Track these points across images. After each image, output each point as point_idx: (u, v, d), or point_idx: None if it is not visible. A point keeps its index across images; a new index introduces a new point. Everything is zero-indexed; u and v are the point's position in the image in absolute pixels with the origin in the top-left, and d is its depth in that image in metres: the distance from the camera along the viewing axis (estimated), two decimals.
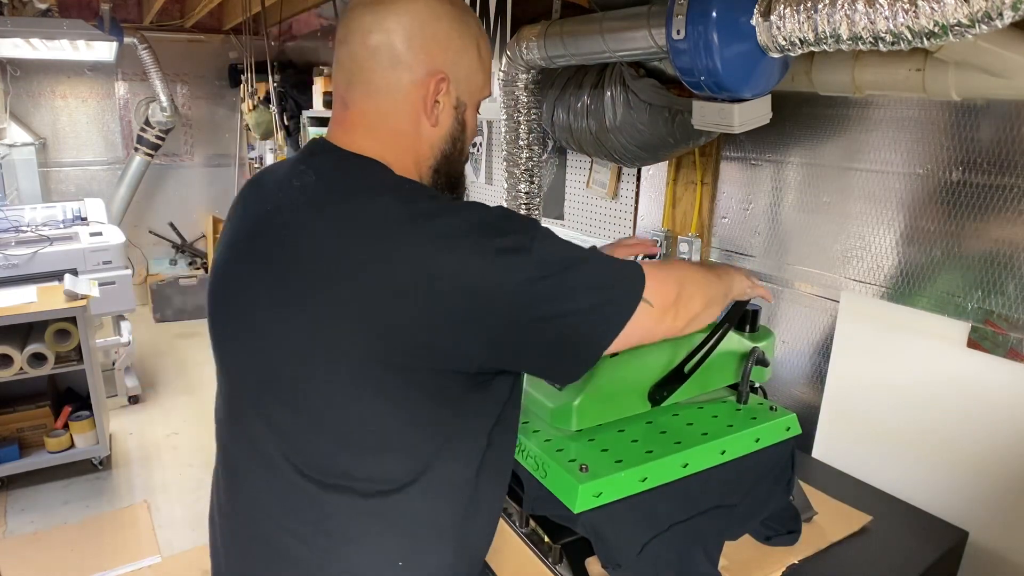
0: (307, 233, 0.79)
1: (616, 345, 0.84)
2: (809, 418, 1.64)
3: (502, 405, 0.91)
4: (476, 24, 0.90)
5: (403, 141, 0.87)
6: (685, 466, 1.08)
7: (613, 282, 0.84)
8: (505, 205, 1.99)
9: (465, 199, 0.93)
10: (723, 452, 1.12)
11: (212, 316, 0.95)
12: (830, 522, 1.31)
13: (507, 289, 0.76)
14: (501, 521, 1.31)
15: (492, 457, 0.91)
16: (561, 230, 2.51)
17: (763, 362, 1.27)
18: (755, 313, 1.31)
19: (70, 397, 3.27)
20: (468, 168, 3.15)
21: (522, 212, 1.96)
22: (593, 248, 0.88)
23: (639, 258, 1.23)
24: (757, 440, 1.16)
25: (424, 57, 0.84)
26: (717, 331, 1.16)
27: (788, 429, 1.21)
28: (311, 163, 0.86)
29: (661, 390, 1.18)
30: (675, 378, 1.17)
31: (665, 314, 0.89)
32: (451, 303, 0.75)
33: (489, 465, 0.91)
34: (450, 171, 0.93)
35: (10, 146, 4.77)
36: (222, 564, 0.97)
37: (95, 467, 3.17)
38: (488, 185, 3.03)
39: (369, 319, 0.75)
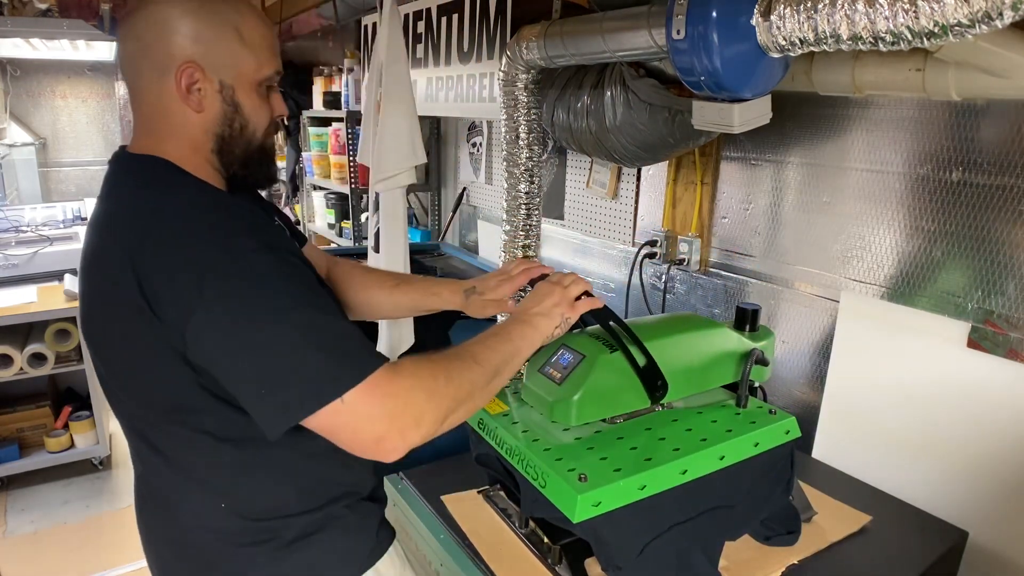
0: (87, 261, 0.97)
1: (309, 425, 0.84)
2: (809, 418, 1.64)
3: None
4: (230, 8, 0.94)
5: (177, 135, 0.95)
6: (684, 473, 1.08)
7: (315, 367, 0.82)
8: (505, 205, 1.99)
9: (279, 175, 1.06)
10: (722, 458, 1.12)
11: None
12: (830, 522, 1.31)
13: (214, 318, 0.82)
14: (501, 521, 1.31)
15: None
16: (561, 230, 2.51)
17: (763, 362, 1.26)
18: (755, 313, 1.31)
19: (70, 397, 3.28)
20: (467, 167, 3.15)
21: (522, 212, 1.96)
22: (343, 326, 0.86)
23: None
24: (756, 444, 1.16)
25: (172, 53, 0.91)
26: (618, 327, 1.12)
27: (787, 432, 1.20)
28: (108, 175, 0.98)
29: (654, 391, 1.16)
30: (648, 375, 1.13)
31: (367, 425, 0.84)
32: (185, 294, 0.83)
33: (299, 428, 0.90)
34: (236, 150, 0.99)
35: (10, 146, 4.77)
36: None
37: (95, 467, 3.17)
38: (488, 185, 3.03)
39: (125, 336, 0.91)
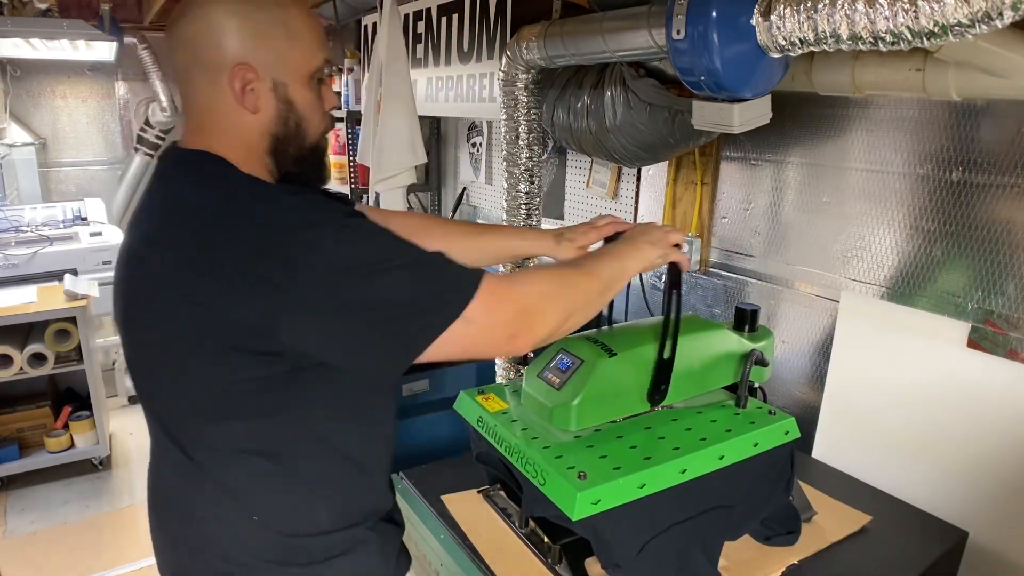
0: (143, 256, 0.91)
1: (432, 355, 0.84)
2: (809, 418, 1.64)
3: (344, 389, 0.96)
4: (275, 4, 0.93)
5: (232, 137, 0.92)
6: (683, 472, 1.08)
7: (429, 293, 0.84)
8: (505, 205, 1.99)
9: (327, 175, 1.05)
10: (722, 457, 1.12)
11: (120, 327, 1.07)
12: (830, 522, 1.30)
13: (318, 279, 0.80)
14: (501, 521, 1.31)
15: (348, 430, 0.99)
16: None
17: (762, 362, 1.26)
18: (755, 313, 1.31)
19: (70, 397, 3.28)
20: (467, 167, 3.15)
21: (522, 212, 1.96)
22: (436, 253, 0.87)
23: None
24: (755, 445, 1.16)
25: (224, 55, 0.89)
26: (672, 306, 1.14)
27: (787, 433, 1.20)
28: (159, 169, 0.96)
29: (658, 386, 1.17)
30: (663, 369, 1.15)
31: (493, 332, 0.88)
32: (265, 288, 0.80)
33: (347, 439, 0.99)
34: (290, 150, 0.97)
35: (10, 146, 4.77)
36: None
37: (95, 467, 3.17)
38: (488, 185, 3.03)
39: (191, 331, 0.85)
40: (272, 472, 0.93)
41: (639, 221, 2.17)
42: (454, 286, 0.85)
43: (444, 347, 0.84)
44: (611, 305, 1.25)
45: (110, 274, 3.59)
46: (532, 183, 1.94)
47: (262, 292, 0.80)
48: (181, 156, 0.94)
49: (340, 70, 3.75)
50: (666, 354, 1.15)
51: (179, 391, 0.92)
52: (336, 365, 0.88)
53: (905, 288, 1.49)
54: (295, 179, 0.98)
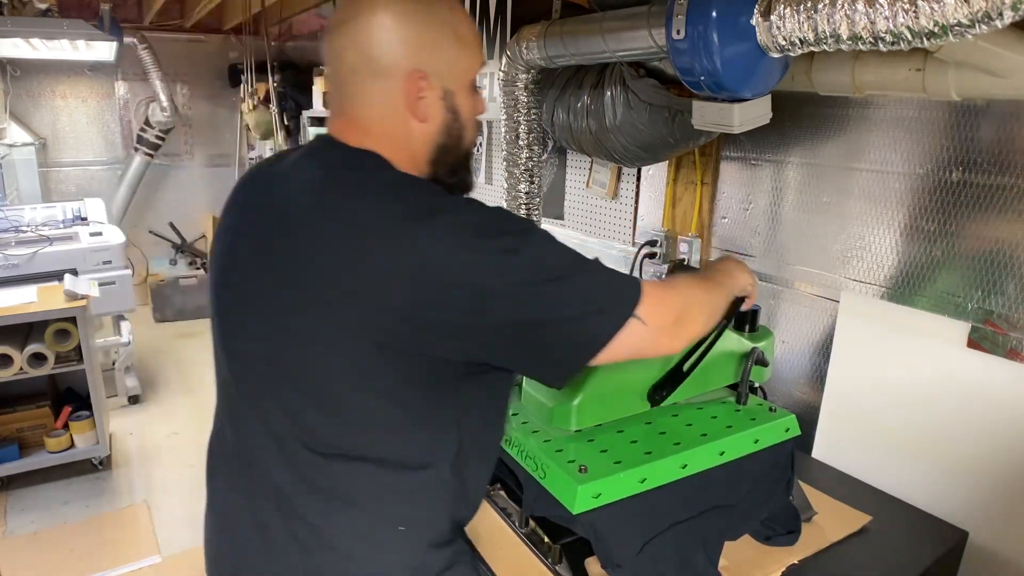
0: (314, 227, 0.83)
1: (603, 358, 0.85)
2: (809, 418, 1.64)
3: (495, 395, 0.95)
4: (447, 8, 0.91)
5: (397, 142, 0.90)
6: (684, 467, 1.08)
7: (605, 295, 0.85)
8: (505, 205, 1.99)
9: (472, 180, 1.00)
10: (722, 453, 1.12)
11: (218, 305, 0.98)
12: (830, 522, 1.30)
13: (496, 290, 0.79)
14: (501, 521, 1.31)
15: (483, 439, 0.96)
16: (561, 230, 2.51)
17: (763, 362, 1.27)
18: (755, 313, 1.31)
19: (70, 397, 3.27)
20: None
21: (522, 212, 1.96)
22: (595, 259, 0.88)
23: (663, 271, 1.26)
24: (756, 441, 1.16)
25: (398, 61, 0.87)
26: (715, 329, 1.16)
27: (787, 430, 1.21)
28: (317, 158, 0.90)
29: (660, 390, 1.18)
30: (674, 377, 1.17)
31: (660, 334, 0.89)
32: (442, 298, 0.78)
33: (478, 447, 0.96)
34: (449, 159, 0.95)
35: (10, 146, 4.77)
36: (225, 548, 1.00)
37: (95, 467, 3.17)
38: (488, 185, 3.03)
39: (367, 309, 0.79)
40: (418, 479, 0.90)
41: (640, 222, 2.17)
42: (623, 289, 0.86)
43: (615, 349, 0.84)
44: None
45: (110, 274, 3.57)
46: (532, 183, 1.94)
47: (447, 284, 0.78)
48: (349, 154, 0.89)
49: None
50: (685, 367, 1.16)
51: (331, 393, 0.85)
52: (508, 370, 0.89)
53: (905, 288, 1.49)
54: (448, 188, 0.96)
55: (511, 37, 1.87)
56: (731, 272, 1.12)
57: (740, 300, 1.17)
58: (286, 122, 4.31)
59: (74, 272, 3.39)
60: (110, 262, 3.63)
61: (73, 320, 2.89)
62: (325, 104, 3.82)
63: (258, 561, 0.94)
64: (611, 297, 0.85)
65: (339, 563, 0.90)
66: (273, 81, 4.11)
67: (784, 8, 1.09)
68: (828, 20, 1.03)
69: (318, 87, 4.01)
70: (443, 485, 0.92)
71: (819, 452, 1.64)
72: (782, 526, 1.23)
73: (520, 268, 0.80)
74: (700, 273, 1.16)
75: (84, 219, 4.01)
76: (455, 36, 0.90)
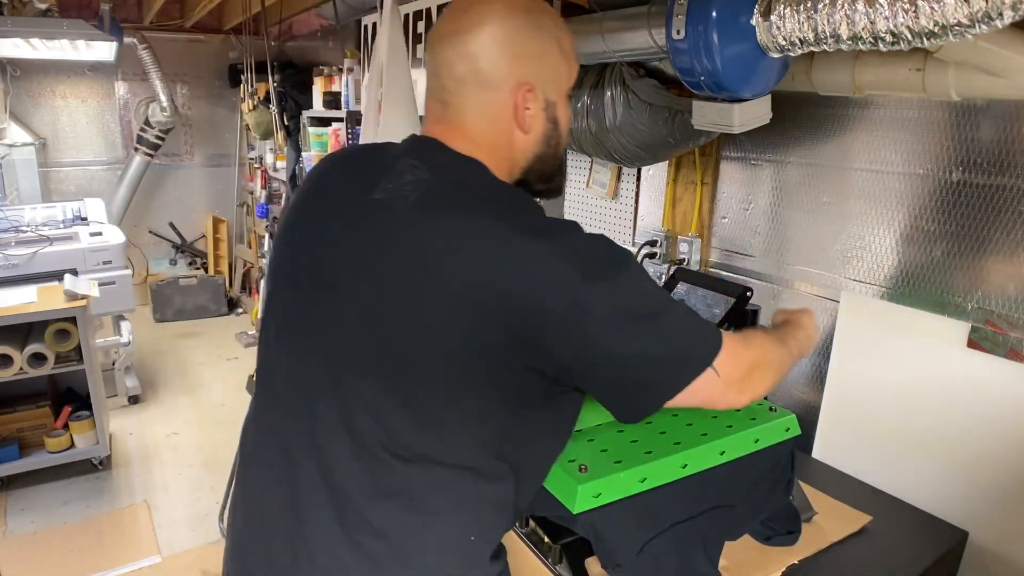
0: (422, 228, 0.83)
1: (675, 402, 0.85)
2: (809, 418, 1.64)
3: (564, 420, 0.95)
4: (551, 20, 0.92)
5: (499, 151, 0.92)
6: (684, 467, 1.08)
7: (689, 340, 0.86)
8: None
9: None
10: (722, 453, 1.12)
11: (292, 288, 0.95)
12: (830, 522, 1.30)
13: (597, 315, 0.79)
14: None
15: (545, 460, 0.97)
16: None
17: None
18: (755, 313, 1.31)
19: (70, 397, 3.27)
20: None
21: None
22: (681, 301, 0.89)
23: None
24: (756, 441, 1.16)
25: (507, 73, 0.89)
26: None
27: (788, 430, 1.21)
28: (424, 159, 0.90)
29: None
30: None
31: (729, 388, 0.89)
32: (537, 317, 0.78)
33: (539, 467, 0.96)
34: (545, 167, 0.96)
35: (10, 146, 4.77)
36: (256, 543, 0.95)
37: (95, 467, 3.17)
38: None
39: (471, 316, 0.80)
40: (492, 490, 0.89)
41: (640, 222, 2.17)
42: (706, 336, 0.87)
43: (686, 396, 0.85)
44: None
45: (110, 274, 3.57)
46: None
47: (563, 294, 0.79)
48: (456, 160, 0.90)
49: (341, 70, 3.76)
50: None
51: (422, 394, 0.83)
52: (581, 395, 0.89)
53: (905, 288, 1.49)
54: (538, 194, 0.97)
55: None
56: (806, 328, 1.11)
57: (746, 298, 1.17)
58: (286, 122, 4.31)
59: (74, 272, 3.39)
60: (110, 262, 3.63)
61: (73, 320, 2.89)
62: (325, 104, 3.82)
63: (302, 558, 0.88)
64: (695, 343, 0.86)
65: (406, 572, 0.86)
66: (273, 81, 4.11)
67: (784, 8, 1.09)
68: (828, 20, 1.03)
69: (318, 87, 4.01)
70: (510, 498, 0.91)
71: (819, 452, 1.64)
72: (782, 526, 1.22)
73: (621, 297, 0.81)
74: (776, 329, 1.10)
75: (84, 219, 4.01)
76: (559, 48, 0.92)
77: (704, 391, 0.86)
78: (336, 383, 0.87)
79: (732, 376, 0.88)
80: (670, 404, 0.86)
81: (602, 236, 0.85)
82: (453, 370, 0.82)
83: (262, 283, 1.03)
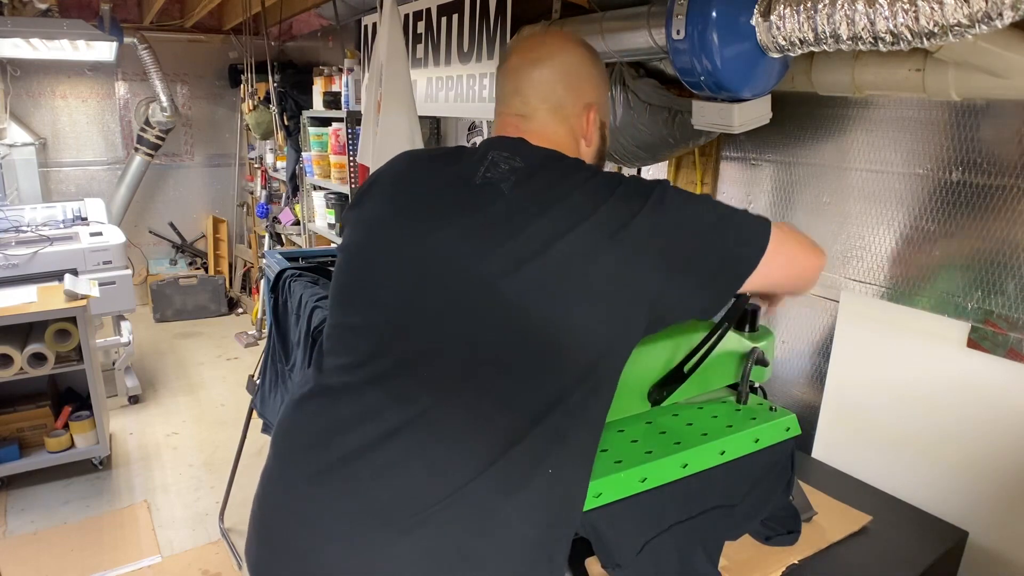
0: (528, 206, 0.92)
1: (749, 285, 0.94)
2: (809, 418, 1.64)
3: (601, 419, 0.98)
4: (597, 54, 1.11)
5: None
6: (685, 466, 1.08)
7: (745, 230, 0.94)
8: None
9: None
10: (723, 452, 1.12)
11: (399, 276, 0.97)
12: (830, 522, 1.31)
13: (680, 228, 0.90)
14: None
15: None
16: None
17: (763, 362, 1.27)
18: (755, 313, 1.31)
19: (70, 397, 3.27)
20: None
21: None
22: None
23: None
24: (757, 440, 1.16)
25: (580, 96, 1.06)
26: (716, 330, 1.16)
27: (788, 429, 1.21)
28: (515, 151, 1.00)
29: (661, 390, 1.18)
30: (675, 378, 1.17)
31: (795, 259, 0.99)
32: (636, 246, 0.88)
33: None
34: None
35: (10, 146, 4.77)
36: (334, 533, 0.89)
37: (95, 467, 3.17)
38: None
39: (585, 262, 0.88)
40: (569, 460, 0.92)
41: None
42: (756, 216, 0.95)
43: (770, 265, 0.93)
44: None
45: (110, 274, 3.56)
46: None
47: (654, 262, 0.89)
48: (545, 153, 0.99)
49: (341, 70, 3.76)
50: (686, 368, 1.16)
51: (566, 363, 0.89)
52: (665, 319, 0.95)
53: (905, 288, 1.49)
54: None
55: (511, 37, 1.87)
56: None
57: (746, 299, 1.17)
58: (286, 122, 4.31)
59: (74, 272, 3.39)
60: (110, 262, 3.63)
61: (73, 320, 2.89)
62: (326, 104, 3.82)
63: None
64: (754, 225, 0.95)
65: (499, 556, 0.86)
66: (273, 81, 4.11)
67: (784, 8, 1.09)
68: (828, 20, 1.03)
69: (318, 87, 4.01)
70: (579, 485, 0.95)
71: (819, 452, 1.64)
72: (782, 526, 1.23)
73: (689, 213, 0.93)
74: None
75: (84, 219, 4.01)
76: (604, 77, 1.11)
77: (775, 267, 0.94)
78: (466, 372, 0.90)
79: (793, 250, 0.98)
80: (748, 287, 0.94)
81: (635, 177, 0.98)
82: (571, 323, 0.89)
83: (333, 282, 0.99)
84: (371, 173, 1.11)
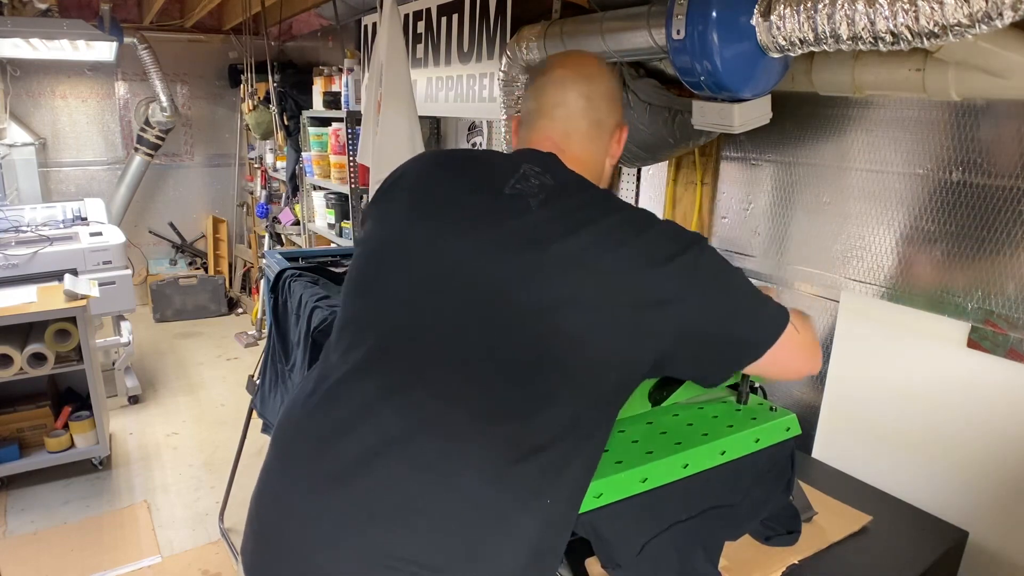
0: (555, 225, 0.93)
1: (754, 368, 0.97)
2: (809, 418, 1.64)
3: (606, 435, 0.99)
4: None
5: (596, 171, 1.11)
6: (685, 467, 1.08)
7: (764, 315, 0.97)
8: None
9: None
10: (723, 453, 1.12)
11: (410, 262, 0.98)
12: (830, 522, 1.30)
13: (697, 291, 0.92)
14: None
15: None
16: None
17: None
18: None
19: (70, 397, 3.27)
20: None
21: None
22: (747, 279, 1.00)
23: None
24: (757, 440, 1.16)
25: (613, 113, 1.11)
26: None
27: (788, 429, 1.21)
28: (547, 168, 1.02)
29: (661, 391, 1.18)
30: (675, 378, 1.17)
31: (803, 350, 1.01)
32: (664, 290, 0.90)
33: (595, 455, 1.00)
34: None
35: (10, 146, 4.77)
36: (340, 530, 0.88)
37: (95, 467, 3.16)
38: None
39: (603, 294, 0.90)
40: (575, 469, 0.93)
41: None
42: (777, 308, 0.98)
43: (770, 359, 0.95)
44: None
45: (110, 274, 3.56)
46: None
47: (680, 282, 0.92)
48: (576, 178, 1.02)
49: (341, 70, 3.76)
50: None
51: (583, 375, 0.90)
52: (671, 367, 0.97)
53: (905, 288, 1.49)
54: None
55: (511, 37, 1.87)
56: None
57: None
58: (286, 122, 4.31)
59: (74, 272, 3.39)
60: (110, 262, 3.63)
61: (73, 320, 2.89)
62: (326, 104, 3.82)
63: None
64: (772, 310, 0.98)
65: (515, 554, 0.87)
66: (273, 81, 4.11)
67: (784, 8, 1.09)
68: (828, 20, 1.03)
69: (318, 87, 4.01)
70: (580, 491, 0.96)
71: (819, 452, 1.64)
72: (782, 526, 1.22)
73: (717, 275, 0.97)
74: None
75: (84, 219, 4.01)
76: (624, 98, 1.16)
77: (781, 355, 0.96)
78: (469, 375, 0.91)
79: (804, 340, 1.00)
80: (753, 370, 0.97)
81: (672, 223, 1.02)
82: (607, 361, 0.92)
83: (345, 282, 0.98)
84: (396, 168, 1.12)
